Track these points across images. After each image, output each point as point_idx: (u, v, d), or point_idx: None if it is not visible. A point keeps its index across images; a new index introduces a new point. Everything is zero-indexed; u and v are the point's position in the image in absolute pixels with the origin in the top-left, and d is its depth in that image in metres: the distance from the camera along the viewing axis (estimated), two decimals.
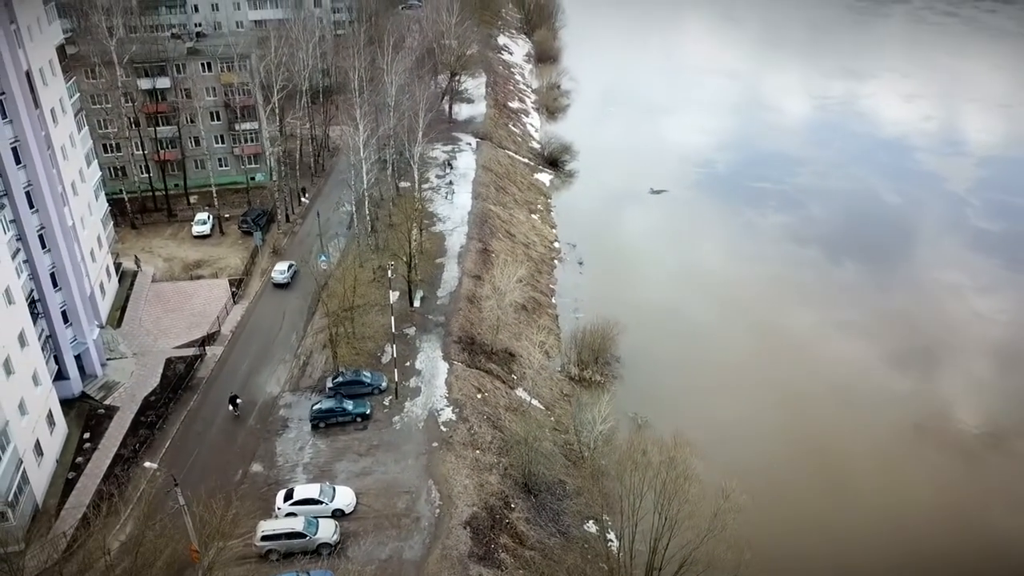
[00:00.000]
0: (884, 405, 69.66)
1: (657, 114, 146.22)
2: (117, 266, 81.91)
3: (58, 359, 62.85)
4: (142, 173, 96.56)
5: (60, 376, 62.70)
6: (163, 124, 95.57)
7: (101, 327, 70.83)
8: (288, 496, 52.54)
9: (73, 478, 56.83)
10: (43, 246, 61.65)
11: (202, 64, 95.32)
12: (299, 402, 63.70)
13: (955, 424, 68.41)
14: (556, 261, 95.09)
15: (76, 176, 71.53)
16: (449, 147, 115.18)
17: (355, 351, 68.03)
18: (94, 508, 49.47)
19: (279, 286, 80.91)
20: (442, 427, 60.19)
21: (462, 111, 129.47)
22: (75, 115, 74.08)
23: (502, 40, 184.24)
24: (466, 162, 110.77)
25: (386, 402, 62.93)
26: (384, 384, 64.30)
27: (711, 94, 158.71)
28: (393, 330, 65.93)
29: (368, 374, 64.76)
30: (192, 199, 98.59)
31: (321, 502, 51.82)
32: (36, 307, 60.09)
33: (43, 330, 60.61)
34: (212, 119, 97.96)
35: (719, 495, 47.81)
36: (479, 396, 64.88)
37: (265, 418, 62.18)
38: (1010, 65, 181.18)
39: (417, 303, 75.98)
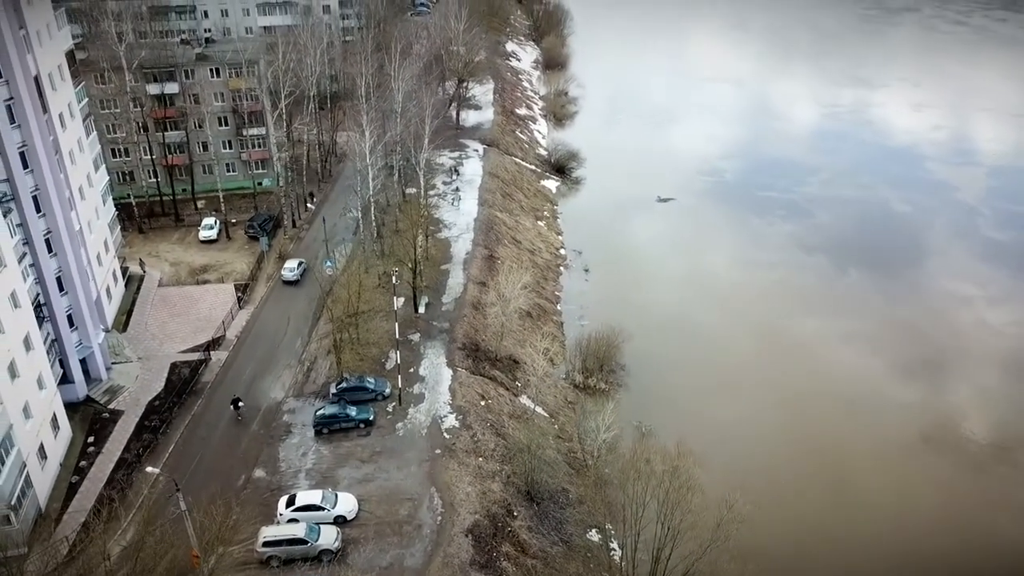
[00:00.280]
0: (891, 415, 69.21)
1: (665, 121, 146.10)
2: (124, 270, 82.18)
3: (63, 363, 63.04)
4: (150, 178, 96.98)
5: (65, 380, 62.87)
6: (171, 129, 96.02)
7: (107, 331, 71.05)
8: (290, 502, 52.49)
9: (76, 482, 56.89)
10: (49, 250, 61.95)
11: (211, 70, 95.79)
12: (303, 407, 63.67)
13: (962, 434, 67.91)
14: (562, 268, 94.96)
15: (84, 181, 71.82)
16: (456, 153, 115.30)
17: (359, 357, 67.97)
18: (95, 513, 49.53)
19: (289, 283, 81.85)
20: (445, 434, 60.06)
21: (469, 117, 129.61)
22: (84, 120, 74.45)
23: (510, 47, 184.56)
24: (473, 168, 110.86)
25: (389, 408, 62.85)
26: (388, 390, 64.25)
27: (719, 101, 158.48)
28: (397, 336, 65.89)
29: (372, 380, 64.72)
30: (199, 204, 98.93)
31: (323, 508, 51.75)
32: (42, 311, 60.28)
33: (48, 334, 60.78)
34: (220, 124, 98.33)
35: (722, 505, 47.59)
36: (483, 403, 64.73)
37: (268, 423, 62.17)
38: (1021, 74, 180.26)
39: (422, 309, 75.95)
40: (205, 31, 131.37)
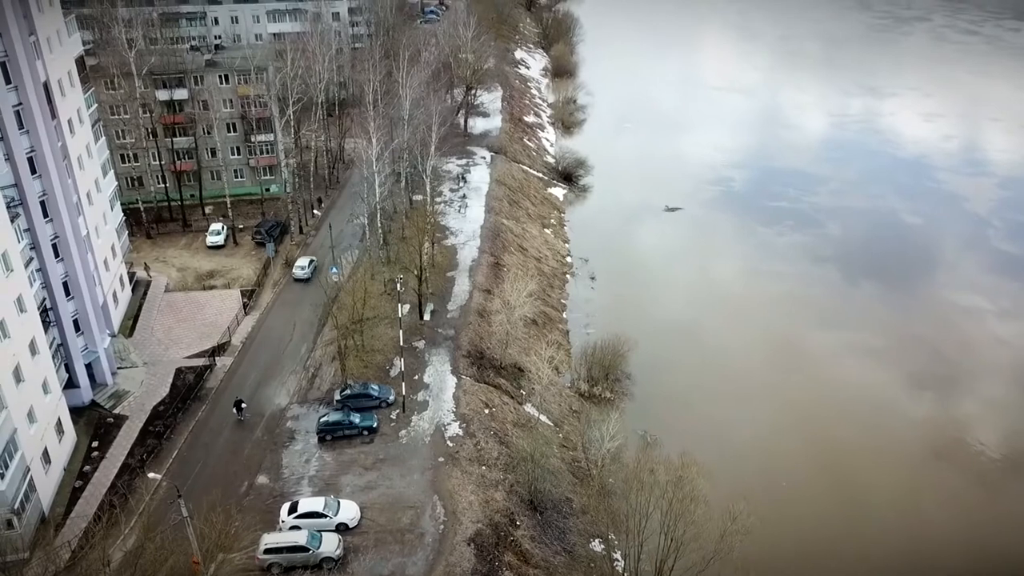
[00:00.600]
0: (900, 428, 68.59)
1: (673, 130, 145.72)
2: (131, 275, 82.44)
3: (69, 367, 63.17)
4: (158, 183, 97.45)
5: (70, 384, 63.00)
6: (180, 135, 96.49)
7: (113, 336, 71.24)
8: (292, 509, 52.40)
9: (80, 486, 56.94)
10: (56, 255, 62.16)
11: (220, 76, 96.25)
12: (307, 414, 63.61)
13: (972, 449, 67.12)
14: (568, 276, 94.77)
15: (92, 186, 72.12)
16: (463, 161, 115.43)
17: (364, 364, 68.00)
18: (96, 519, 49.59)
19: (299, 281, 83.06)
20: (449, 442, 59.89)
21: (477, 125, 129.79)
22: (93, 126, 74.80)
23: (519, 54, 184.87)
24: (480, 176, 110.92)
25: (393, 416, 62.74)
26: (392, 398, 64.14)
27: (728, 110, 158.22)
28: (401, 343, 65.82)
29: (376, 387, 64.65)
30: (207, 210, 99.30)
31: (325, 516, 51.65)
32: (48, 316, 60.47)
33: (54, 338, 60.96)
34: (229, 130, 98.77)
35: (727, 516, 47.22)
36: (487, 411, 64.54)
37: (272, 430, 62.14)
38: None
39: (427, 316, 75.88)
40: (215, 38, 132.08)
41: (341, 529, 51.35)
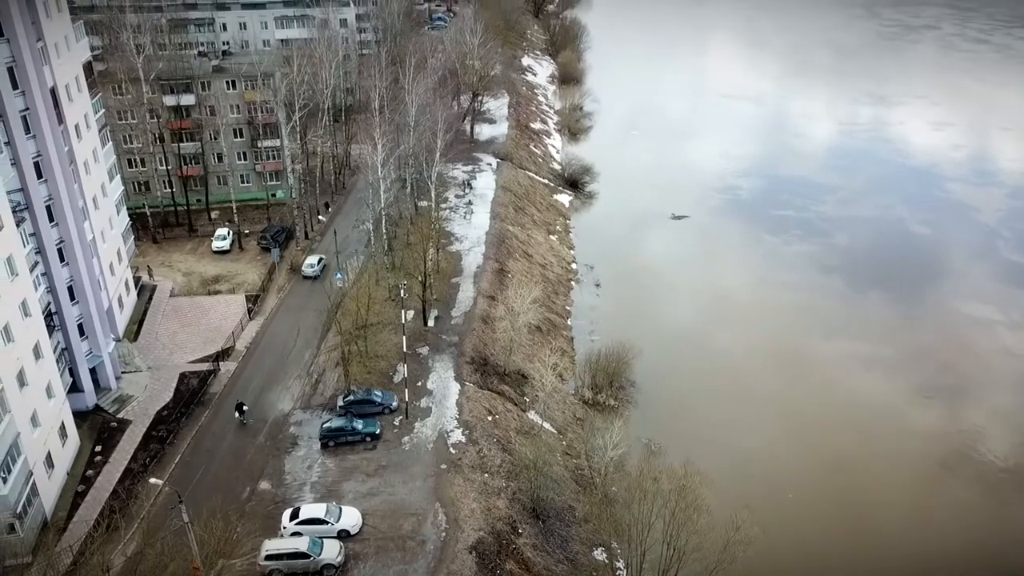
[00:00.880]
0: (907, 440, 68.02)
1: (680, 137, 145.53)
2: (136, 280, 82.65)
3: (73, 372, 63.28)
4: (165, 188, 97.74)
5: (74, 388, 63.10)
6: (187, 140, 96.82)
7: (117, 340, 71.39)
8: (294, 515, 52.29)
9: (83, 491, 56.96)
10: (62, 260, 62.33)
11: (227, 82, 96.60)
12: (310, 420, 63.55)
13: (981, 461, 66.45)
14: (573, 282, 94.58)
15: (98, 191, 72.37)
16: (469, 167, 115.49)
17: (367, 370, 67.94)
18: (96, 524, 49.59)
19: (308, 278, 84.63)
20: (451, 449, 59.72)
21: (483, 131, 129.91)
22: (100, 130, 75.07)
23: (526, 61, 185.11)
24: (486, 182, 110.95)
25: (396, 422, 62.62)
26: (395, 404, 64.03)
27: (735, 118, 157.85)
28: (405, 349, 65.72)
29: (379, 393, 64.55)
30: (213, 215, 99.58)
31: (327, 522, 51.49)
32: (52, 320, 60.55)
33: (59, 343, 61.05)
34: (235, 136, 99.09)
35: (730, 526, 46.97)
36: (490, 418, 64.35)
37: (275, 435, 62.08)
38: None
39: (431, 322, 75.79)
40: (224, 44, 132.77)
41: (343, 536, 51.20)
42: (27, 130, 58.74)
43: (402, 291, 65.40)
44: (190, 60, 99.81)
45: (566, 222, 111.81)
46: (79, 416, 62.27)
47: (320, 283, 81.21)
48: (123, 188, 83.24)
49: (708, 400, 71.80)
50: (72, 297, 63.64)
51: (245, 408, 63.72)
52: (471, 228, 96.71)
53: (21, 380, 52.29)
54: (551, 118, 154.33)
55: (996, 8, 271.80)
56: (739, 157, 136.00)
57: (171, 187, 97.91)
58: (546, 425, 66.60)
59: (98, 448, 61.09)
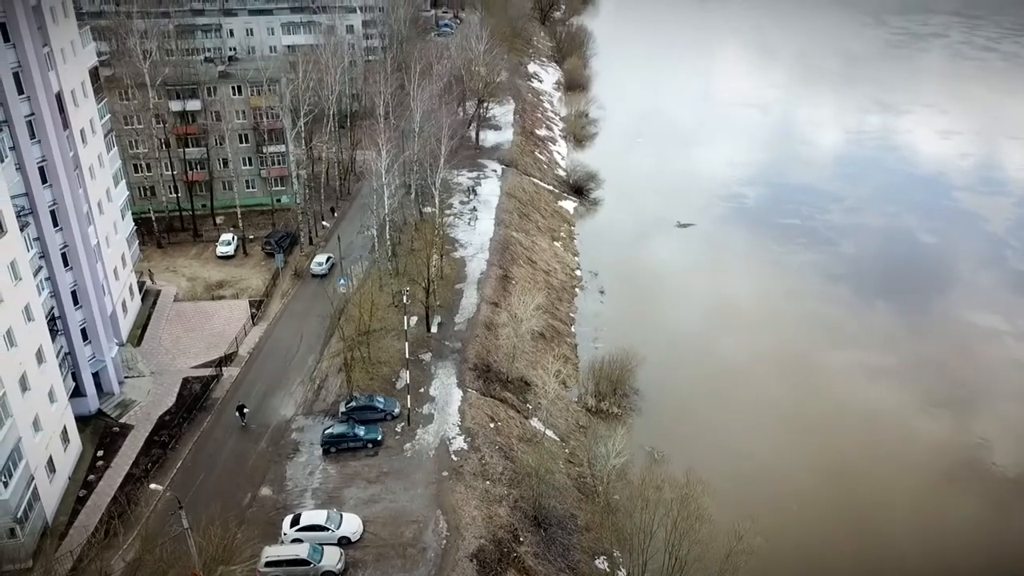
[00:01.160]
0: (913, 450, 67.36)
1: (686, 145, 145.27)
2: (141, 285, 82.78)
3: (76, 376, 63.29)
4: (171, 193, 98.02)
5: (77, 393, 63.09)
6: (192, 145, 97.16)
7: (121, 345, 71.46)
8: (295, 521, 52.14)
9: (84, 496, 56.88)
10: (65, 264, 62.36)
11: (232, 87, 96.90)
12: (312, 426, 63.43)
13: (989, 473, 65.66)
14: (577, 289, 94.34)
15: (103, 195, 72.51)
16: (474, 173, 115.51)
17: (370, 376, 67.82)
18: (96, 530, 49.51)
19: (317, 276, 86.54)
20: (453, 456, 59.48)
21: (489, 138, 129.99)
22: (105, 135, 75.29)
23: (532, 68, 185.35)
24: (490, 188, 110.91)
25: (398, 428, 62.45)
26: (397, 410, 63.86)
27: (742, 126, 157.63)
28: (407, 356, 65.58)
29: (381, 399, 64.40)
30: (218, 220, 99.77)
31: (327, 529, 51.32)
32: (56, 324, 60.62)
33: (62, 347, 61.06)
34: (241, 141, 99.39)
35: (732, 536, 46.68)
36: (492, 425, 64.11)
37: (277, 441, 61.97)
38: None
39: (434, 329, 75.66)
40: (231, 50, 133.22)
41: (343, 543, 51.00)
42: (32, 135, 58.85)
43: (405, 297, 65.28)
44: (196, 65, 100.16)
45: (570, 228, 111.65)
46: (81, 420, 62.28)
47: (324, 288, 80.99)
48: (128, 193, 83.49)
49: (712, 408, 71.39)
50: (76, 302, 63.67)
51: (246, 410, 63.86)
52: (475, 234, 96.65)
53: (23, 385, 52.27)
54: (556, 124, 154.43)
55: (1004, 16, 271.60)
56: (745, 165, 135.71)
57: (176, 192, 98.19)
58: (549, 432, 66.31)
59: (100, 453, 61.08)
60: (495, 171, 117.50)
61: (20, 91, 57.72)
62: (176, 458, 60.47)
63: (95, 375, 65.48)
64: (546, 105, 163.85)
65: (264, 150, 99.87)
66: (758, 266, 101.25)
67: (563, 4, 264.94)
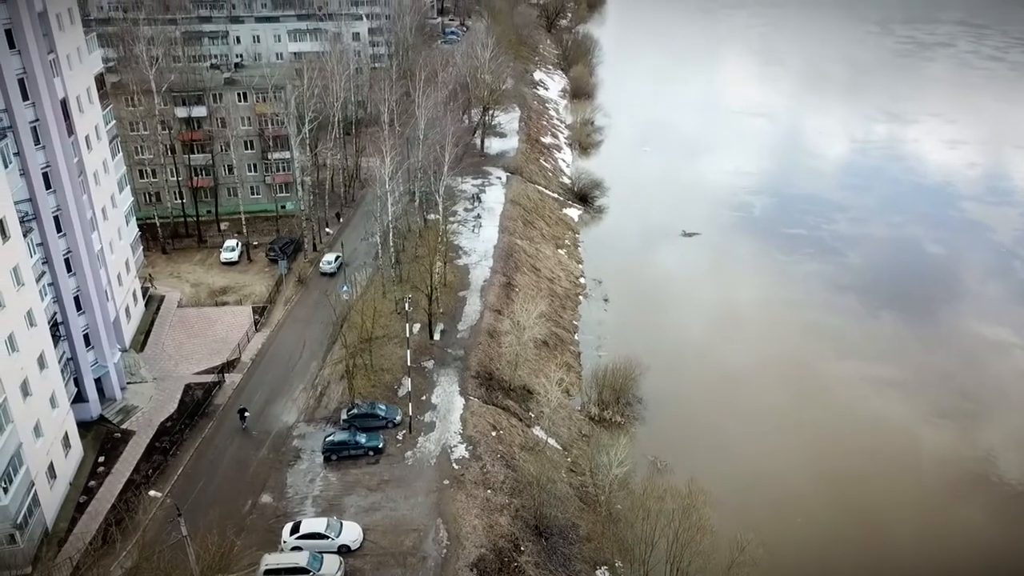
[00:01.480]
0: (920, 462, 66.80)
1: (692, 153, 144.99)
2: (144, 290, 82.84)
3: (78, 382, 63.26)
4: (176, 199, 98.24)
5: (79, 398, 63.03)
6: (198, 152, 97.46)
7: (123, 351, 71.47)
8: (295, 529, 51.92)
9: (84, 502, 56.79)
10: (69, 270, 62.45)
11: (238, 94, 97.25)
12: (313, 433, 63.24)
13: (995, 485, 65.10)
14: (581, 297, 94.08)
15: (107, 201, 72.64)
16: (479, 180, 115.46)
17: (372, 383, 67.62)
18: (93, 538, 49.37)
19: (325, 275, 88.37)
20: (454, 464, 59.20)
21: (494, 145, 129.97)
22: (111, 142, 75.50)
23: (538, 75, 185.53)
24: (495, 196, 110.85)
25: (399, 436, 62.23)
26: (399, 418, 63.66)
27: (748, 134, 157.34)
28: (409, 363, 65.39)
29: (383, 407, 64.20)
30: (223, 226, 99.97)
31: (327, 537, 51.08)
32: (58, 330, 60.63)
33: (64, 353, 61.05)
34: (246, 148, 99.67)
35: (734, 547, 46.31)
36: (494, 434, 63.82)
37: (278, 448, 61.80)
38: None
39: (437, 336, 75.50)
40: (237, 56, 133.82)
41: (343, 551, 50.75)
42: (37, 141, 59.02)
43: (407, 304, 65.13)
44: (202, 72, 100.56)
45: (575, 236, 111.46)
46: (83, 426, 62.23)
47: (327, 295, 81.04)
48: (133, 199, 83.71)
49: (716, 418, 70.95)
50: (78, 307, 63.73)
51: (247, 414, 63.87)
52: (479, 241, 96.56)
53: (25, 390, 52.27)
54: (562, 132, 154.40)
55: (1011, 26, 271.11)
56: (751, 174, 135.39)
57: (181, 198, 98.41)
58: (551, 441, 66.01)
59: (101, 459, 60.99)
60: (500, 178, 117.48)
61: (25, 97, 57.94)
62: (177, 464, 60.32)
63: (97, 380, 65.46)
64: (551, 113, 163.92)
65: (269, 156, 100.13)
66: (763, 276, 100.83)
67: (569, 12, 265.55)
